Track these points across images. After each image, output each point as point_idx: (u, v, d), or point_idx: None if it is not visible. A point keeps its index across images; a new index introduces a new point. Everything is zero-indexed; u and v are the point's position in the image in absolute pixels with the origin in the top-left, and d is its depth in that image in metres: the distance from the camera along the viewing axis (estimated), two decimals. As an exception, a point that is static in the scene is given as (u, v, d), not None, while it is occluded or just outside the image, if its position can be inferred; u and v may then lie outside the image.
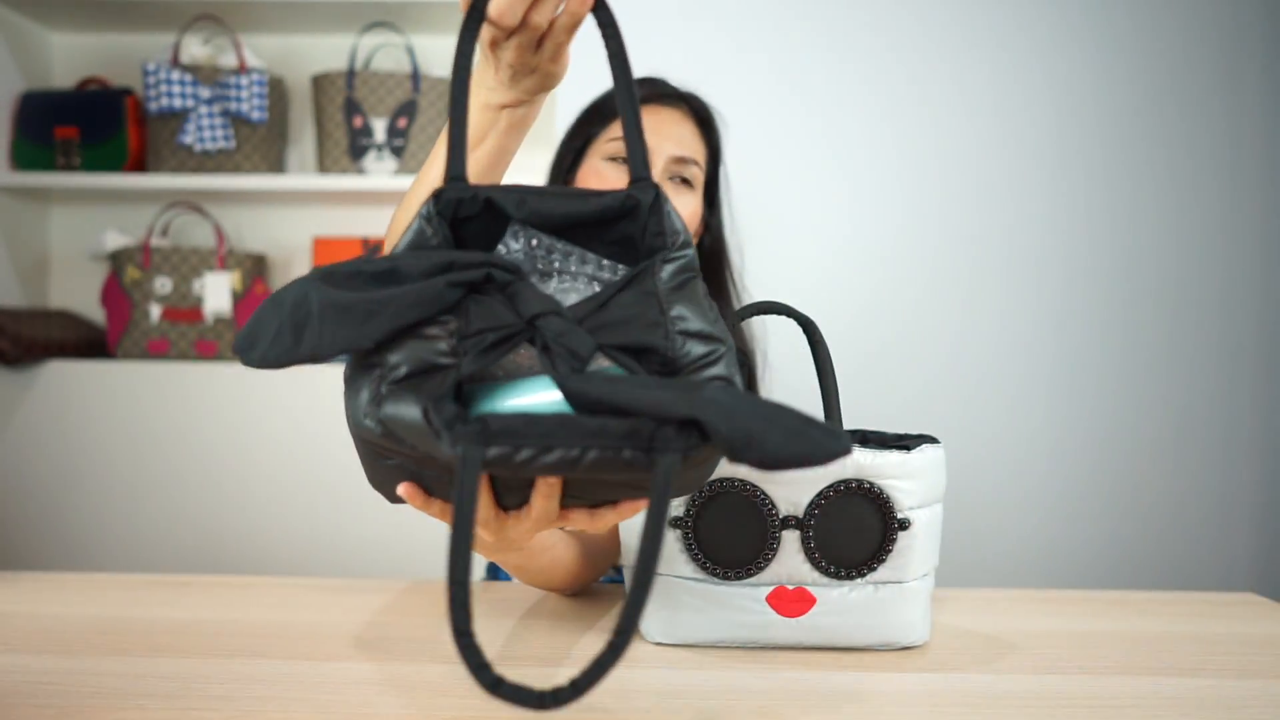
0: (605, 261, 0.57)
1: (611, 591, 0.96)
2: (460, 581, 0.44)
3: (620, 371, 0.52)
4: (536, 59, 0.73)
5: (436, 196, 0.55)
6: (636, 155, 0.57)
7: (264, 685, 0.67)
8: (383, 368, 0.51)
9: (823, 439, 0.45)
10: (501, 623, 0.84)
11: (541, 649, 0.77)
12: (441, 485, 0.56)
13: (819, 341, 0.80)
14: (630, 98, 0.57)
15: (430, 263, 0.52)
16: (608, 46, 0.58)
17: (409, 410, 0.49)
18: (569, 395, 0.48)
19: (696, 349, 0.54)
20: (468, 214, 0.55)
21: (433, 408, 0.47)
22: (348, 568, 1.98)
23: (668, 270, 0.55)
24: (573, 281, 0.56)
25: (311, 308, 0.50)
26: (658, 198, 0.56)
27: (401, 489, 0.58)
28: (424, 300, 0.50)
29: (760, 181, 1.99)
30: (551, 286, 0.56)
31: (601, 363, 0.54)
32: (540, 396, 0.51)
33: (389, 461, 0.56)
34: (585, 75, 1.23)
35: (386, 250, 0.64)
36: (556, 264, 0.56)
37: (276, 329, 0.50)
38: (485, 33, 0.72)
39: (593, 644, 0.78)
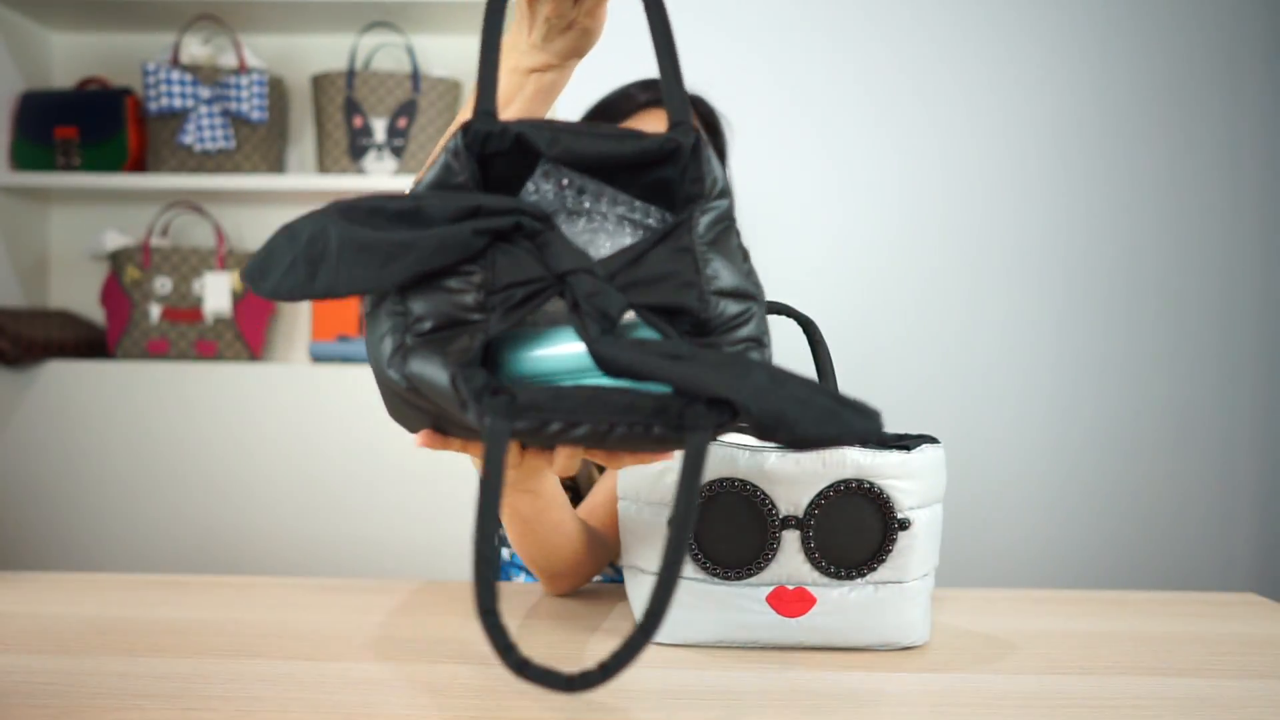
0: (637, 203, 0.54)
1: (611, 591, 0.96)
2: (486, 559, 0.43)
3: (651, 333, 0.51)
4: (574, 12, 0.73)
5: (465, 129, 0.52)
6: (675, 99, 0.54)
7: (264, 685, 0.67)
8: (406, 316, 0.50)
9: (853, 420, 0.44)
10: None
11: (544, 648, 0.77)
12: (462, 431, 0.55)
13: (819, 341, 0.80)
14: (668, 43, 0.55)
15: (456, 205, 0.49)
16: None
17: (436, 373, 0.48)
18: (598, 359, 0.47)
19: (730, 308, 0.52)
20: (496, 149, 0.52)
21: (461, 376, 0.46)
22: (348, 568, 1.98)
23: (704, 222, 0.53)
24: (602, 222, 0.54)
25: (329, 244, 0.47)
26: (699, 142, 0.53)
27: (419, 440, 0.57)
28: (449, 246, 0.48)
29: (761, 182, 1.99)
30: (580, 226, 0.54)
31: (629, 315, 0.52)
32: (568, 347, 0.50)
33: (410, 407, 0.55)
34: (592, 76, 1.23)
35: None
36: (587, 204, 0.54)
37: (290, 262, 0.48)
38: None
39: (597, 643, 0.78)
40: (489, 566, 0.43)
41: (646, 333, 0.51)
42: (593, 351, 0.47)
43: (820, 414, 0.44)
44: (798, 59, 2.05)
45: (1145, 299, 2.04)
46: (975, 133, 2.05)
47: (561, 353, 0.50)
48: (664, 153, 0.53)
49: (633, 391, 0.46)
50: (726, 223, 0.54)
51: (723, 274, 0.52)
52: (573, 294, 0.48)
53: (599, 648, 0.77)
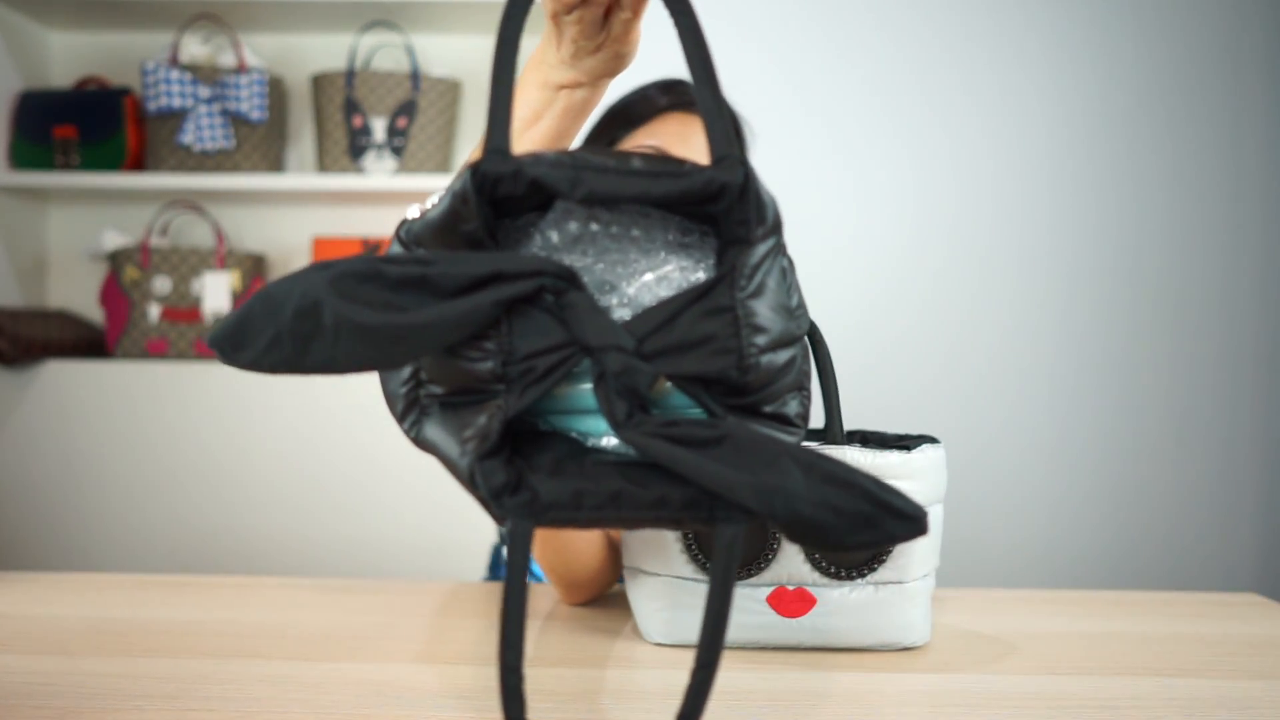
0: (674, 218, 0.50)
1: (622, 593, 0.96)
2: (513, 668, 0.42)
3: (683, 403, 0.49)
4: (602, 36, 0.71)
5: (474, 171, 0.46)
6: (717, 131, 0.49)
7: (263, 686, 0.67)
8: (419, 373, 0.48)
9: (894, 527, 0.42)
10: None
11: (560, 650, 0.76)
12: None
13: (820, 342, 0.79)
14: (708, 73, 0.49)
15: (469, 274, 0.44)
16: (677, 23, 0.49)
17: (456, 456, 0.45)
18: (626, 443, 0.45)
19: (777, 360, 0.48)
20: (509, 193, 0.47)
21: (479, 471, 0.44)
22: (348, 568, 1.98)
23: (747, 269, 0.48)
24: (633, 244, 0.50)
25: (322, 321, 0.42)
26: (747, 180, 0.47)
27: None
28: (465, 324, 0.44)
29: (765, 182, 1.99)
30: (607, 247, 0.50)
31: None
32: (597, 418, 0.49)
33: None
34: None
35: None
36: (615, 229, 0.49)
37: (274, 336, 0.43)
38: (549, 2, 0.69)
39: (615, 649, 0.78)
40: (517, 676, 0.42)
41: (680, 398, 0.49)
42: (620, 437, 0.45)
43: (858, 523, 0.42)
44: (801, 58, 2.05)
45: (1147, 299, 2.04)
46: (979, 135, 2.04)
47: (587, 389, 0.48)
48: (707, 194, 0.47)
49: (662, 480, 0.45)
50: (773, 257, 0.49)
51: (770, 324, 0.48)
52: (599, 367, 0.45)
53: (615, 652, 0.77)
